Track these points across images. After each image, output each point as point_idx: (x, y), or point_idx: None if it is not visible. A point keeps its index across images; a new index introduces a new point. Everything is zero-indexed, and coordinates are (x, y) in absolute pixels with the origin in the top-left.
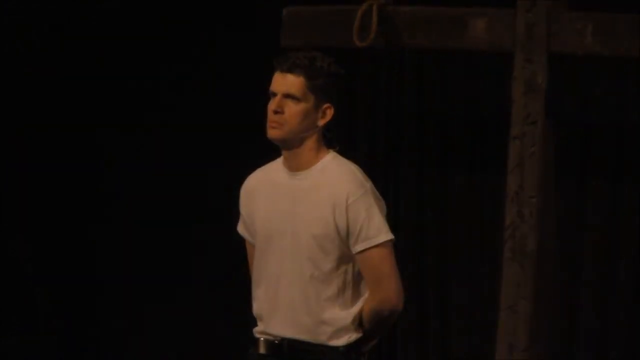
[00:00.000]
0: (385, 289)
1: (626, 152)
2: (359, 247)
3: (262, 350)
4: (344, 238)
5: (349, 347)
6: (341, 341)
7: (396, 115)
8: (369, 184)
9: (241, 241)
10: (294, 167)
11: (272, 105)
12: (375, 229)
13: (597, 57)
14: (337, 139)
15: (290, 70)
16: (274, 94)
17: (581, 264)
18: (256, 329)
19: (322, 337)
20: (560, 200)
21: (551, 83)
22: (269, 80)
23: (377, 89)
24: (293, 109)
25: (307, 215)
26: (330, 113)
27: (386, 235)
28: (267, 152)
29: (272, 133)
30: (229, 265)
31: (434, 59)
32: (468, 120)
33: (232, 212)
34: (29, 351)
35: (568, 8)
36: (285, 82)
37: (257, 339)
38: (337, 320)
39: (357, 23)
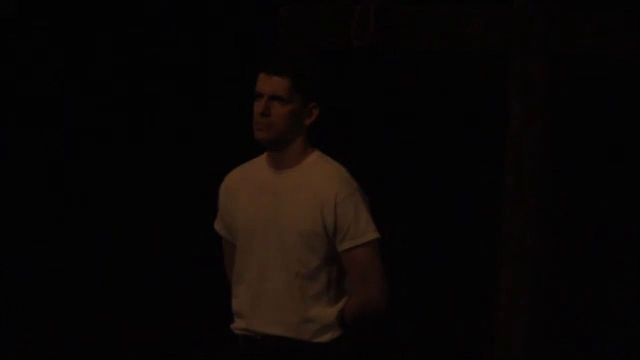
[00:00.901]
0: (371, 288)
1: (625, 152)
2: (346, 246)
3: (242, 347)
4: (331, 236)
5: (333, 344)
6: (325, 338)
7: (393, 114)
8: (356, 183)
9: (218, 238)
10: (280, 166)
11: (258, 107)
12: (363, 228)
13: (596, 57)
14: (328, 137)
15: (276, 71)
16: (260, 96)
17: (579, 263)
18: (235, 326)
19: (307, 334)
20: (557, 199)
21: (549, 83)
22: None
23: (375, 88)
24: (280, 111)
25: (294, 213)
26: (316, 113)
27: (374, 234)
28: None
29: (260, 135)
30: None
31: (431, 58)
32: (466, 119)
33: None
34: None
35: (566, 8)
36: (271, 84)
37: (237, 336)
38: (322, 318)
39: (355, 22)
